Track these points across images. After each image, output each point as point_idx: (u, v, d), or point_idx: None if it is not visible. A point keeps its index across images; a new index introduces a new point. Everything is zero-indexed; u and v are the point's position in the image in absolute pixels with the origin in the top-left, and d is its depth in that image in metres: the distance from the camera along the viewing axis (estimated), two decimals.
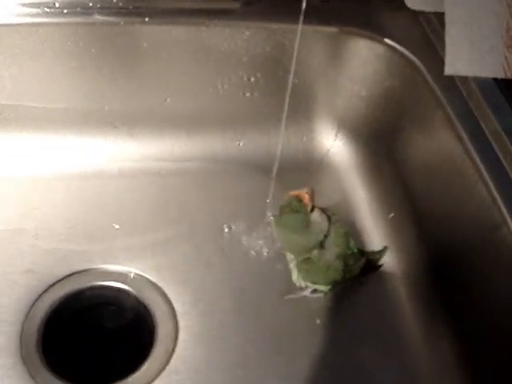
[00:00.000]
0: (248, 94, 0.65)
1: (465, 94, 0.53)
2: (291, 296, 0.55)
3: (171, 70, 0.62)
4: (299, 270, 0.52)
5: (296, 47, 0.54)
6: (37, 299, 0.53)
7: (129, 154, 0.66)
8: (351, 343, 0.53)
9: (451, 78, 0.54)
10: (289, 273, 0.55)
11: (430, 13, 0.60)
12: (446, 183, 0.53)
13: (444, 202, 0.54)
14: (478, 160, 0.49)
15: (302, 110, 0.67)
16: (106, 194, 0.62)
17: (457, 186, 0.52)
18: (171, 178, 0.65)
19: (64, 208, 0.60)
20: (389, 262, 0.59)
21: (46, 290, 0.53)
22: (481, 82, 0.53)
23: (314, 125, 0.68)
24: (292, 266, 0.53)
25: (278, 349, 0.52)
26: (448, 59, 0.54)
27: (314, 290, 0.54)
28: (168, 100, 0.64)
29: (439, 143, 0.55)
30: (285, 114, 0.57)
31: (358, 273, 0.53)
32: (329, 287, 0.53)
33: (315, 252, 0.50)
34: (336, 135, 0.68)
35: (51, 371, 0.49)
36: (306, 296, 0.55)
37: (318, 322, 0.54)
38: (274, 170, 0.58)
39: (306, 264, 0.51)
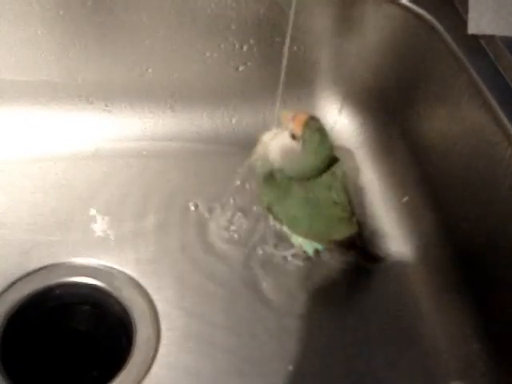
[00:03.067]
0: (240, 64, 0.63)
1: (492, 56, 0.51)
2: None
3: (152, 36, 0.60)
4: None
5: (293, 8, 0.52)
6: None
7: (105, 133, 0.64)
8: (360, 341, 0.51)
9: (475, 38, 0.52)
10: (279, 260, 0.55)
11: None
12: (472, 160, 0.51)
13: (468, 183, 0.52)
14: None
15: (301, 81, 0.65)
16: (80, 178, 0.60)
17: (485, 163, 0.49)
18: (153, 159, 0.63)
19: (32, 193, 0.58)
20: (403, 250, 0.57)
21: (8, 288, 0.51)
22: (510, 42, 0.50)
23: (316, 98, 0.66)
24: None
25: (276, 353, 0.49)
26: (472, 16, 0.51)
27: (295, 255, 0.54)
28: (149, 71, 0.62)
29: (463, 114, 0.52)
30: (281, 87, 0.55)
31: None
32: (314, 248, 0.52)
33: None
34: (341, 110, 0.66)
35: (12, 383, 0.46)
36: (286, 257, 0.54)
37: (319, 321, 0.52)
38: None
39: None
